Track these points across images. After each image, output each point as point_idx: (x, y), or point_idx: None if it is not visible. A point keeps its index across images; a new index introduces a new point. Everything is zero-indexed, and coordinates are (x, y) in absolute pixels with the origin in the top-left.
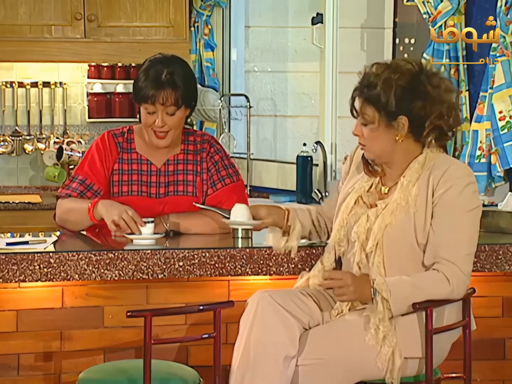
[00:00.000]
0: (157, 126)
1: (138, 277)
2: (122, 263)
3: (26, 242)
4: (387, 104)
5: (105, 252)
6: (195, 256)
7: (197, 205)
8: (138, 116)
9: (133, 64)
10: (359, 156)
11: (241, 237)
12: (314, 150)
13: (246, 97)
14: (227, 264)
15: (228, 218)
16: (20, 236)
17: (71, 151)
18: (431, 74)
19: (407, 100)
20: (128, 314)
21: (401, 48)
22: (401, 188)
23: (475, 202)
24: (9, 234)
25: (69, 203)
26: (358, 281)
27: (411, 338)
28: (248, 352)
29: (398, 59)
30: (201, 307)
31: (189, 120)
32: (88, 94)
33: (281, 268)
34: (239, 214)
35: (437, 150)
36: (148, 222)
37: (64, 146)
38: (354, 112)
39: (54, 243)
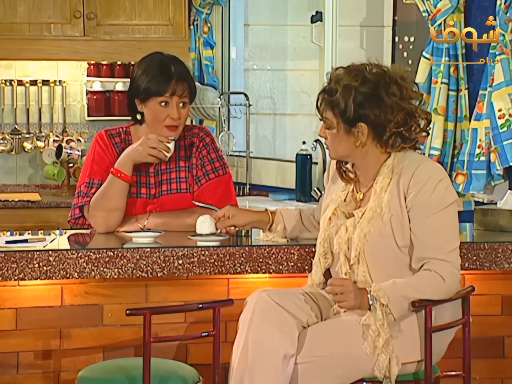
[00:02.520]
0: (172, 119)
1: (138, 275)
2: (122, 261)
3: (26, 240)
4: (345, 110)
5: (104, 250)
6: (195, 254)
7: (196, 203)
8: (139, 116)
9: (132, 62)
10: (334, 167)
11: (243, 236)
12: (314, 148)
13: (246, 95)
14: (227, 262)
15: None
16: (19, 234)
17: (70, 149)
18: (390, 81)
19: (365, 108)
20: (128, 312)
21: (400, 46)
22: (375, 195)
23: (450, 198)
24: (8, 233)
25: (96, 197)
26: (358, 289)
27: (408, 344)
28: (247, 351)
29: (366, 64)
30: (201, 305)
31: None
32: (88, 92)
33: (281, 267)
34: (205, 226)
35: (406, 151)
36: (172, 139)
37: (64, 144)
38: (319, 114)
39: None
